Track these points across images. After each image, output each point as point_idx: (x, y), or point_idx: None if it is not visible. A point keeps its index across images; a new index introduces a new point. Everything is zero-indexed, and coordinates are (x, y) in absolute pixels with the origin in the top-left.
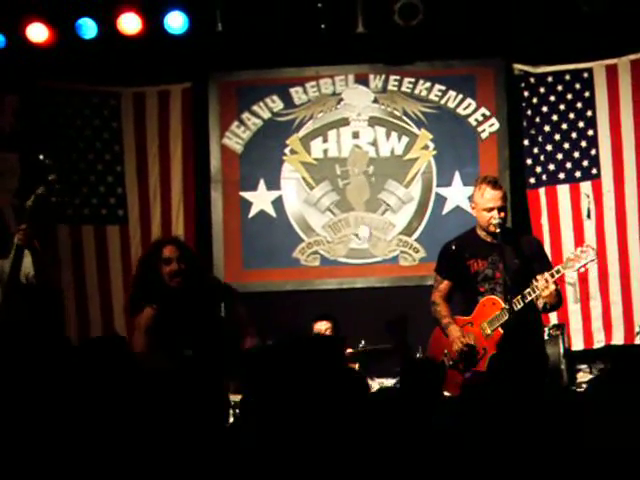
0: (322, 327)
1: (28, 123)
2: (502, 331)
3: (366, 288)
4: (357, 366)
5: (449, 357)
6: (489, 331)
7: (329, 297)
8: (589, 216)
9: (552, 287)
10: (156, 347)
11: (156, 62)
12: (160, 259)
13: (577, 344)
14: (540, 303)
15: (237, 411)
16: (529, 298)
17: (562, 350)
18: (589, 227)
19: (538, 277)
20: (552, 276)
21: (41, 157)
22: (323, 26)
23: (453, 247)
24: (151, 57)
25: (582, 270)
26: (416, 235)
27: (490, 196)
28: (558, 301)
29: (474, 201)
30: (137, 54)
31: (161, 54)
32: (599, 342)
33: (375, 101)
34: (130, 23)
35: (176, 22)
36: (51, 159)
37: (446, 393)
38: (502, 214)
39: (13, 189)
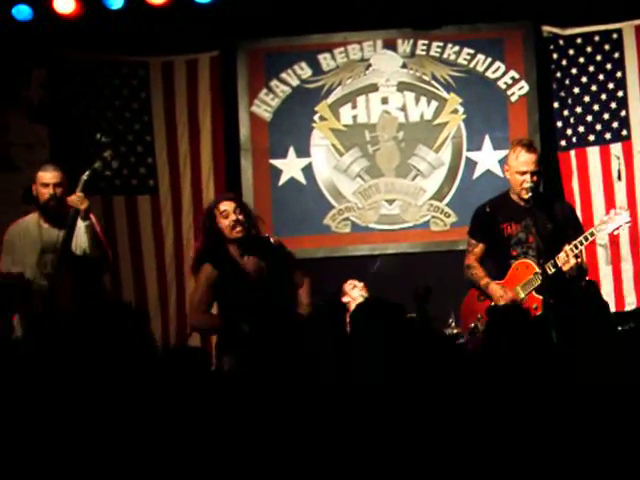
0: (353, 282)
1: (56, 95)
2: (536, 295)
3: (398, 254)
4: None
5: (482, 321)
6: (523, 295)
7: (360, 263)
8: (619, 178)
9: (572, 261)
10: (211, 305)
11: (184, 31)
12: (218, 215)
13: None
14: (566, 275)
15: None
16: (556, 267)
17: None
18: (620, 189)
19: (561, 253)
20: (576, 247)
21: (98, 136)
22: None
23: (487, 210)
24: (179, 26)
25: (616, 232)
26: (447, 200)
27: (524, 159)
28: (579, 274)
29: (508, 163)
30: (165, 23)
31: (189, 23)
32: (630, 304)
33: (404, 66)
34: None
35: None
36: (107, 136)
37: None
38: (535, 178)
39: (43, 161)
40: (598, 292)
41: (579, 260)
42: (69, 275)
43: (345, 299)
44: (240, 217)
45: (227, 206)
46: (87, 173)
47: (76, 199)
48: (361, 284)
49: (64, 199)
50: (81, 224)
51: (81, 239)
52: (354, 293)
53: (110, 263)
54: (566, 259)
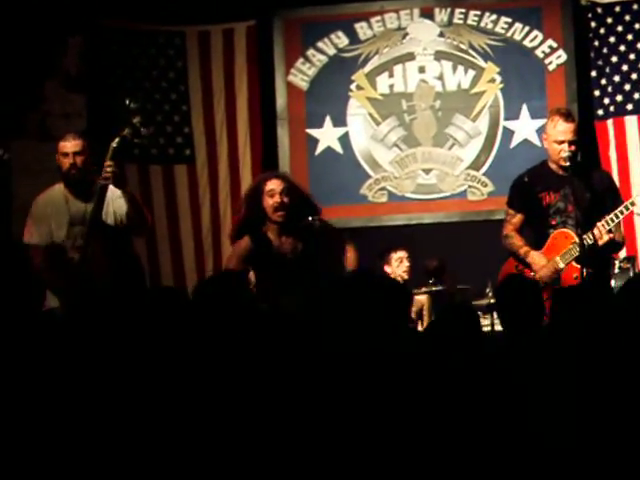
0: (402, 255)
1: (93, 64)
2: (575, 265)
3: (434, 223)
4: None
5: None
6: (562, 265)
7: (397, 233)
8: None
9: (605, 238)
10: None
11: (220, 0)
12: (264, 191)
13: None
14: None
15: None
16: (591, 241)
17: None
18: None
19: (594, 229)
20: (612, 220)
21: (127, 102)
22: None
23: (525, 179)
24: None
25: None
26: (484, 169)
27: (562, 128)
28: (614, 249)
29: (546, 132)
30: None
31: None
32: None
33: (441, 35)
34: None
35: None
36: (136, 102)
37: None
38: (573, 147)
39: (80, 131)
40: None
41: (611, 235)
42: (100, 246)
43: (387, 269)
44: (285, 199)
45: (274, 185)
46: (116, 140)
47: (106, 168)
48: (407, 262)
49: (87, 168)
50: (116, 192)
51: (117, 205)
52: (398, 269)
53: (148, 228)
54: (599, 235)
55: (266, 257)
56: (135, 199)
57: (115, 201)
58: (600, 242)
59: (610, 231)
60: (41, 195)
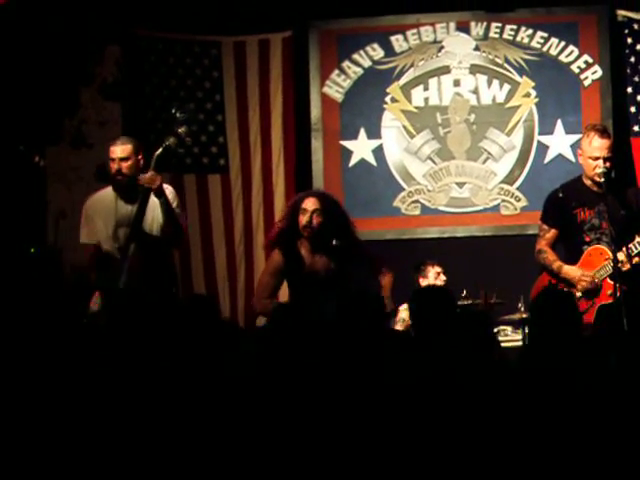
0: (439, 269)
1: (130, 73)
2: (610, 282)
3: (467, 237)
4: None
5: None
6: (594, 287)
7: (430, 246)
8: None
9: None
10: (277, 289)
11: (256, 11)
12: (300, 208)
13: None
14: None
15: None
16: (634, 252)
17: None
18: None
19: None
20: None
21: (173, 111)
22: None
23: (560, 195)
24: (251, 5)
25: None
26: (518, 184)
27: (597, 144)
28: None
29: (581, 148)
30: (237, 3)
31: (261, 2)
32: None
33: (476, 48)
34: None
35: None
36: (182, 112)
37: None
38: (608, 164)
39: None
40: None
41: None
42: (139, 251)
43: (423, 282)
44: (316, 220)
45: (308, 204)
46: (160, 149)
47: (148, 177)
48: (443, 277)
49: (134, 173)
50: (156, 201)
51: (157, 215)
52: (436, 282)
53: (182, 238)
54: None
55: (298, 273)
56: (172, 211)
57: (156, 209)
58: (635, 260)
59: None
60: (93, 196)
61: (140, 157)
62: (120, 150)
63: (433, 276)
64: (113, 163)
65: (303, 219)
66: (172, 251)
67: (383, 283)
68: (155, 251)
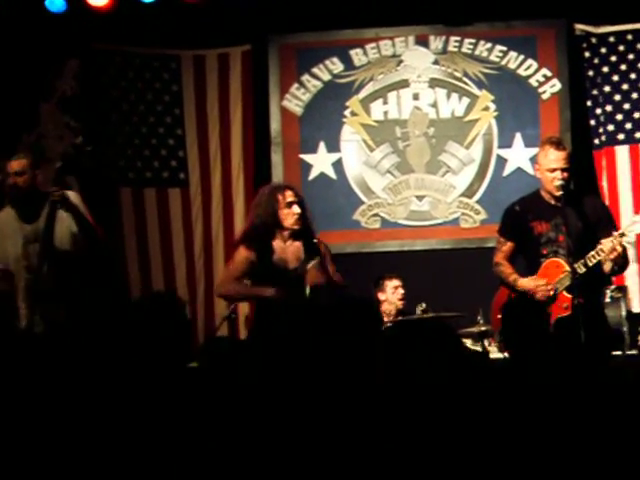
0: (397, 283)
1: (89, 87)
2: (566, 295)
3: (427, 250)
4: None
5: None
6: (552, 294)
7: (390, 259)
8: None
9: (619, 249)
10: (241, 278)
11: (216, 25)
12: (282, 201)
13: (635, 306)
14: (608, 266)
15: None
16: (592, 262)
17: (624, 312)
18: None
19: (603, 240)
20: (617, 238)
21: (66, 119)
22: None
23: (517, 209)
24: (211, 20)
25: None
26: (477, 197)
27: (554, 157)
28: (625, 262)
29: (538, 162)
30: (197, 17)
31: (221, 17)
32: None
33: (435, 62)
34: None
35: None
36: (77, 122)
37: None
38: (565, 175)
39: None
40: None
41: (625, 248)
42: (52, 267)
43: (381, 296)
44: (301, 210)
45: (293, 197)
46: (59, 163)
47: (54, 191)
48: (401, 290)
49: (30, 188)
50: (64, 214)
51: (66, 228)
52: (393, 297)
53: (100, 243)
54: (612, 247)
55: (267, 267)
56: (81, 216)
57: (63, 223)
58: (614, 254)
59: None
60: None
61: (37, 172)
62: (16, 164)
63: (390, 290)
64: (9, 178)
65: (291, 212)
66: (93, 267)
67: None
68: (66, 267)
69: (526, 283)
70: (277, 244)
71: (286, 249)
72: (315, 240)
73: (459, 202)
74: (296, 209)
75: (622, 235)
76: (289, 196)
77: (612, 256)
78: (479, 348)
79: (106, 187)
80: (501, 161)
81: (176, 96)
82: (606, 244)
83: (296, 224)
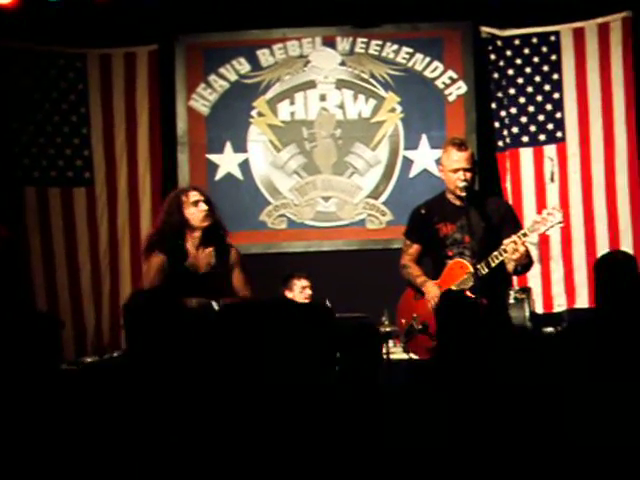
0: (306, 283)
1: None
2: (470, 295)
3: (333, 251)
4: None
5: (418, 321)
6: None
7: (296, 260)
8: (552, 180)
9: (522, 249)
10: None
11: (122, 24)
12: (187, 202)
13: (538, 307)
14: (511, 266)
15: None
16: (495, 262)
17: (527, 314)
18: (552, 191)
19: (505, 240)
20: (519, 238)
21: None
22: None
23: (422, 211)
24: (117, 19)
25: (548, 233)
26: (383, 198)
27: (456, 157)
28: (529, 262)
29: (441, 163)
30: (103, 16)
31: (127, 16)
32: (560, 306)
33: (342, 63)
34: None
35: None
36: None
37: (414, 356)
38: (468, 175)
39: None
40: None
41: (528, 248)
42: None
43: (289, 294)
44: (210, 208)
45: (198, 196)
46: None
47: None
48: (309, 291)
49: None
50: None
51: None
52: (300, 296)
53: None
54: (515, 247)
55: (180, 267)
56: None
57: None
58: (516, 254)
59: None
60: None
61: None
62: None
63: (298, 290)
64: None
65: (198, 209)
66: None
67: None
68: None
69: (430, 288)
70: (189, 248)
71: (197, 254)
72: (227, 243)
73: (365, 203)
74: (202, 206)
75: (524, 235)
76: (193, 195)
77: (514, 256)
78: (384, 349)
79: (10, 186)
80: (407, 162)
81: (82, 95)
82: (508, 244)
83: (205, 220)
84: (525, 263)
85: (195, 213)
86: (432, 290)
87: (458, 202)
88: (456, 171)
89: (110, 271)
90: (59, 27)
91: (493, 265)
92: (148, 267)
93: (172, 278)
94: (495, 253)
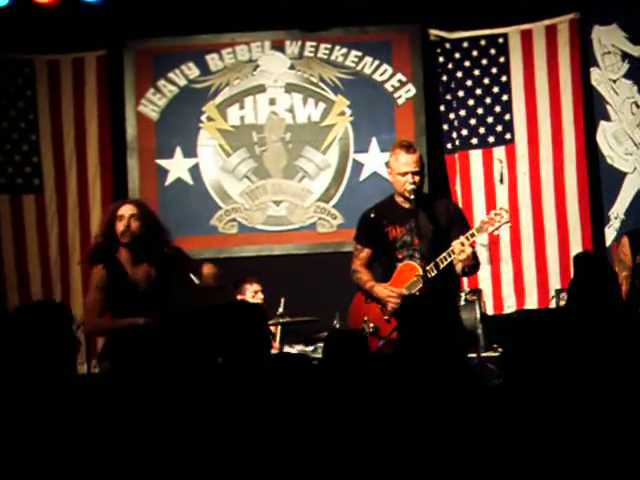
0: (257, 288)
1: None
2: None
3: (284, 255)
4: (278, 331)
5: (369, 324)
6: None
7: (247, 264)
8: (502, 181)
9: (468, 250)
10: (106, 305)
11: (70, 29)
12: (116, 217)
13: (489, 309)
14: (459, 267)
15: None
16: (444, 264)
17: (478, 315)
18: (502, 192)
19: (454, 242)
20: (467, 239)
21: None
22: None
23: (372, 215)
24: (65, 24)
25: (496, 233)
26: (334, 202)
27: (405, 160)
28: (476, 263)
29: (390, 166)
30: (51, 21)
31: (75, 21)
32: (509, 307)
33: (291, 67)
34: None
35: None
36: None
37: None
38: (416, 178)
39: None
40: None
41: (475, 250)
42: None
43: (240, 298)
44: (134, 225)
45: (124, 211)
46: None
47: None
48: (261, 295)
49: None
50: None
51: None
52: (252, 301)
53: None
54: (461, 248)
55: (119, 283)
56: None
57: None
58: (463, 255)
59: (471, 245)
60: None
61: None
62: None
63: (250, 294)
64: None
65: (120, 225)
66: None
67: (205, 273)
68: None
69: (380, 291)
70: (126, 264)
71: (134, 270)
72: (166, 250)
73: (316, 207)
74: (124, 222)
75: (472, 235)
76: (121, 210)
77: (461, 257)
78: None
79: None
80: (357, 166)
81: (30, 101)
82: (456, 246)
83: (123, 237)
84: (472, 264)
85: (118, 229)
86: (382, 292)
87: (407, 205)
88: (405, 174)
89: (61, 278)
90: (6, 33)
91: (442, 267)
92: (91, 280)
93: (113, 294)
94: (443, 255)
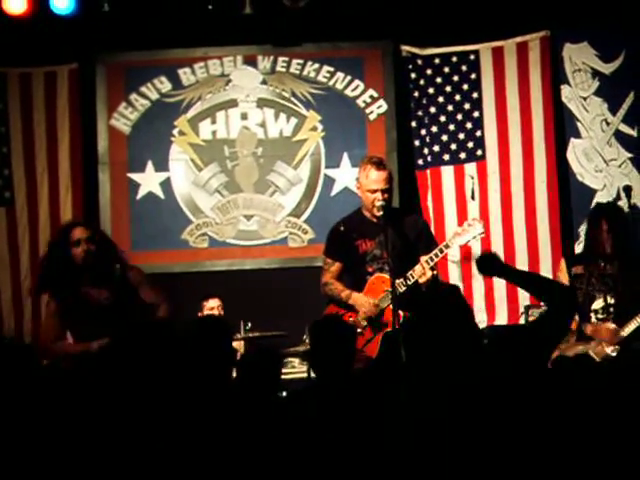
0: (214, 304)
1: None
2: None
3: (255, 269)
4: (242, 347)
5: None
6: (383, 305)
7: (218, 279)
8: (473, 197)
9: (429, 274)
10: (63, 328)
11: (42, 43)
12: (70, 242)
13: None
14: (423, 287)
15: None
16: (411, 281)
17: None
18: (473, 208)
19: (417, 267)
20: (431, 259)
21: None
22: (210, 7)
23: (341, 228)
24: (37, 38)
25: (470, 243)
26: (305, 216)
27: (375, 177)
28: (436, 286)
29: (359, 181)
30: (23, 34)
31: (47, 35)
32: (481, 322)
33: (263, 82)
34: (15, 3)
35: (62, 2)
36: None
37: None
38: (386, 196)
39: None
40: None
41: (435, 272)
42: None
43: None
44: (92, 247)
45: (80, 234)
46: None
47: None
48: (218, 311)
49: None
50: None
51: None
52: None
53: None
54: (422, 271)
55: (73, 307)
56: None
57: None
58: (423, 278)
59: (432, 268)
60: None
61: None
62: None
63: (207, 312)
64: None
65: (79, 250)
66: None
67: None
68: None
69: (358, 298)
70: (77, 287)
71: (89, 291)
72: (122, 270)
73: (287, 222)
74: (83, 246)
75: (447, 247)
76: (76, 234)
77: (422, 280)
78: (305, 367)
79: None
80: (329, 181)
81: (2, 114)
82: (417, 269)
83: (83, 261)
84: (433, 287)
85: (76, 252)
86: (360, 299)
87: (376, 218)
88: (374, 192)
89: (32, 294)
90: None
91: (410, 284)
92: (46, 306)
93: (69, 316)
94: (410, 273)
